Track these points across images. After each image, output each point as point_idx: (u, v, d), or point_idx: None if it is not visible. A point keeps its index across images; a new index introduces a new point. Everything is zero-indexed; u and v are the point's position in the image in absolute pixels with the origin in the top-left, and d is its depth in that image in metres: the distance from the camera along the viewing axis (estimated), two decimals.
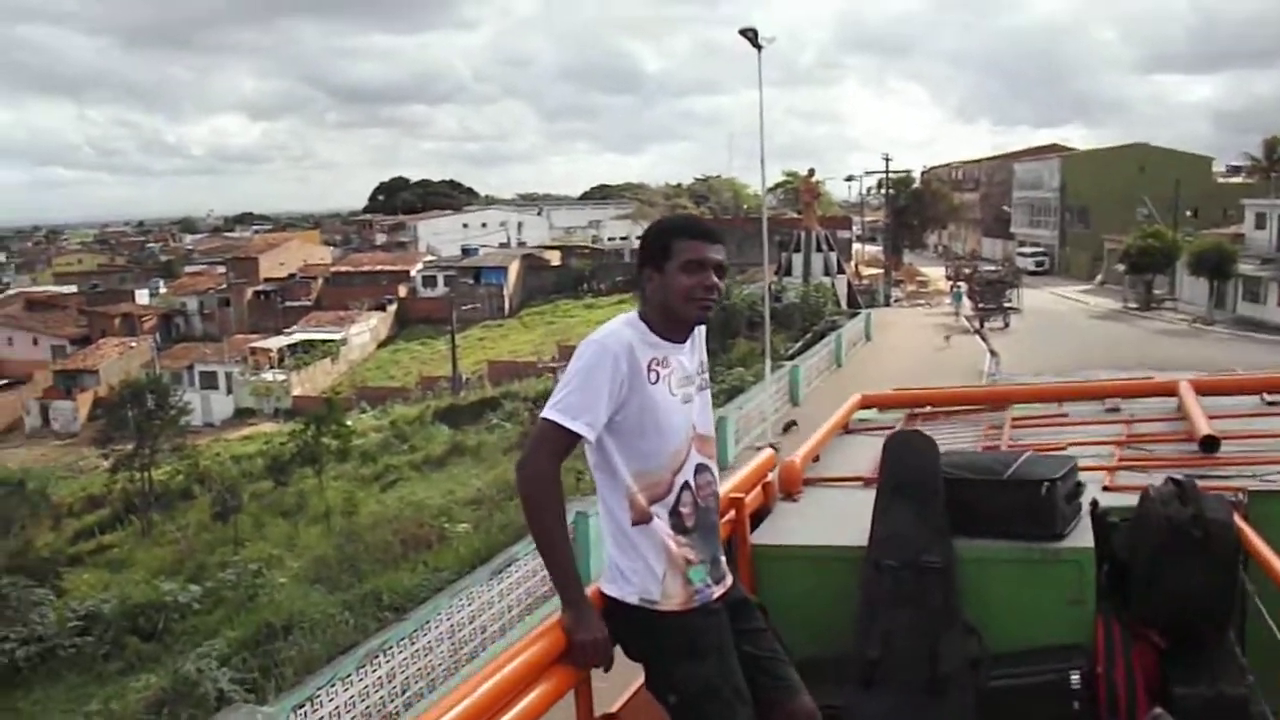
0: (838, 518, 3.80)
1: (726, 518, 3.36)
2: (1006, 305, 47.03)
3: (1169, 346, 40.44)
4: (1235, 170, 78.75)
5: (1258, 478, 3.84)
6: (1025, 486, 3.24)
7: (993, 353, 37.22)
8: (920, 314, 51.34)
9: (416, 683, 10.07)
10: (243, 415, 58.26)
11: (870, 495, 4.08)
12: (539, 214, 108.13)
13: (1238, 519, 3.21)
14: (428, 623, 10.78)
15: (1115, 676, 3.16)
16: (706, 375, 3.03)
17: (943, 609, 3.14)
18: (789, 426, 23.97)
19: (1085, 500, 3.43)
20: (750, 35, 20.82)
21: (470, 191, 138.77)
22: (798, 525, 3.79)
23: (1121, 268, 56.00)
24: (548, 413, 2.69)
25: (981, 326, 44.41)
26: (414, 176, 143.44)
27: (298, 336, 64.53)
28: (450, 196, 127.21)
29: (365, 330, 68.63)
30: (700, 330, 3.00)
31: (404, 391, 53.04)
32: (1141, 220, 59.87)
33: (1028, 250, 77.22)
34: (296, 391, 57.72)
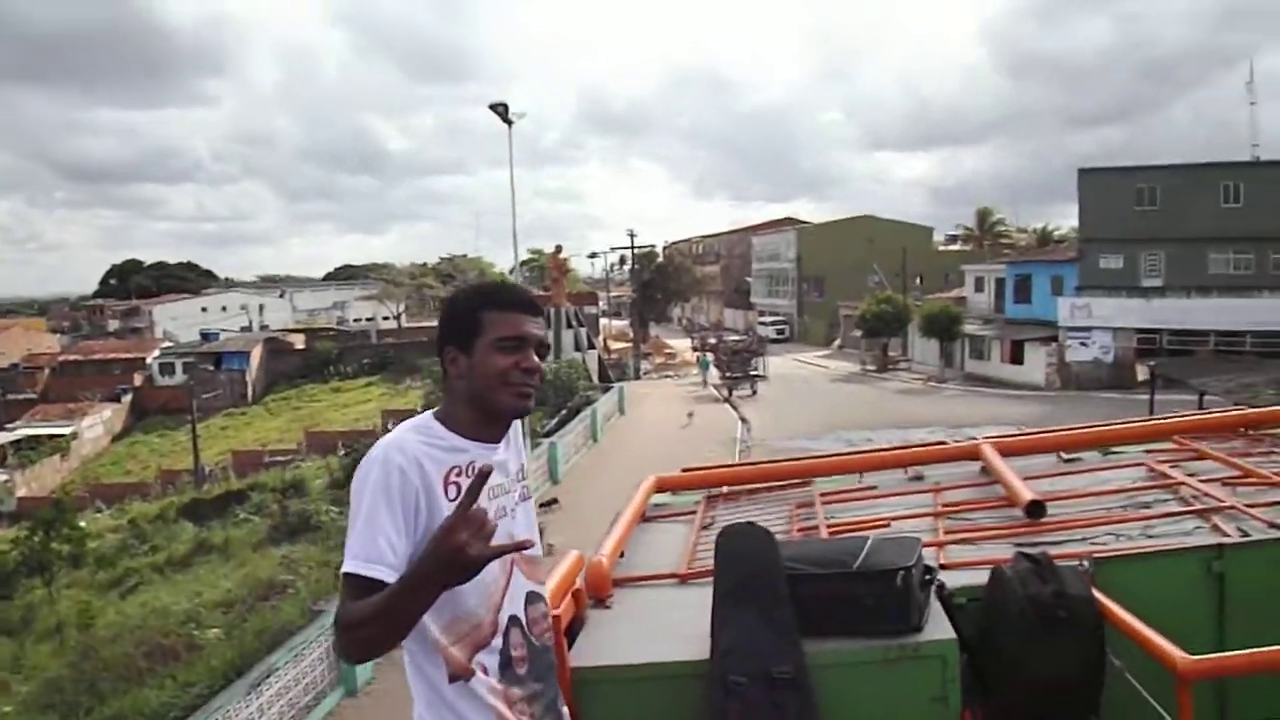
0: (661, 626, 3.39)
1: None
2: (753, 373, 48.27)
3: (909, 404, 42.43)
4: (952, 239, 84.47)
5: (1089, 542, 3.70)
6: (878, 577, 2.91)
7: (744, 420, 38.06)
8: (670, 385, 52.18)
9: None
10: None
11: (685, 594, 3.75)
12: (281, 296, 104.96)
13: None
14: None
15: None
16: (527, 482, 2.58)
17: None
18: (550, 504, 23.58)
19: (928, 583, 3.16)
20: (500, 110, 20.76)
21: (209, 274, 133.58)
22: (620, 639, 3.32)
23: (858, 332, 58.65)
24: (346, 565, 2.25)
25: (730, 395, 45.41)
26: (149, 259, 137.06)
27: (21, 432, 59.62)
28: (187, 279, 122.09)
29: (98, 423, 64.30)
30: (517, 425, 2.55)
31: (143, 487, 49.79)
32: (873, 287, 63.03)
33: (768, 319, 79.78)
34: (21, 492, 53.22)
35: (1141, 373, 39.81)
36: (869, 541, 3.09)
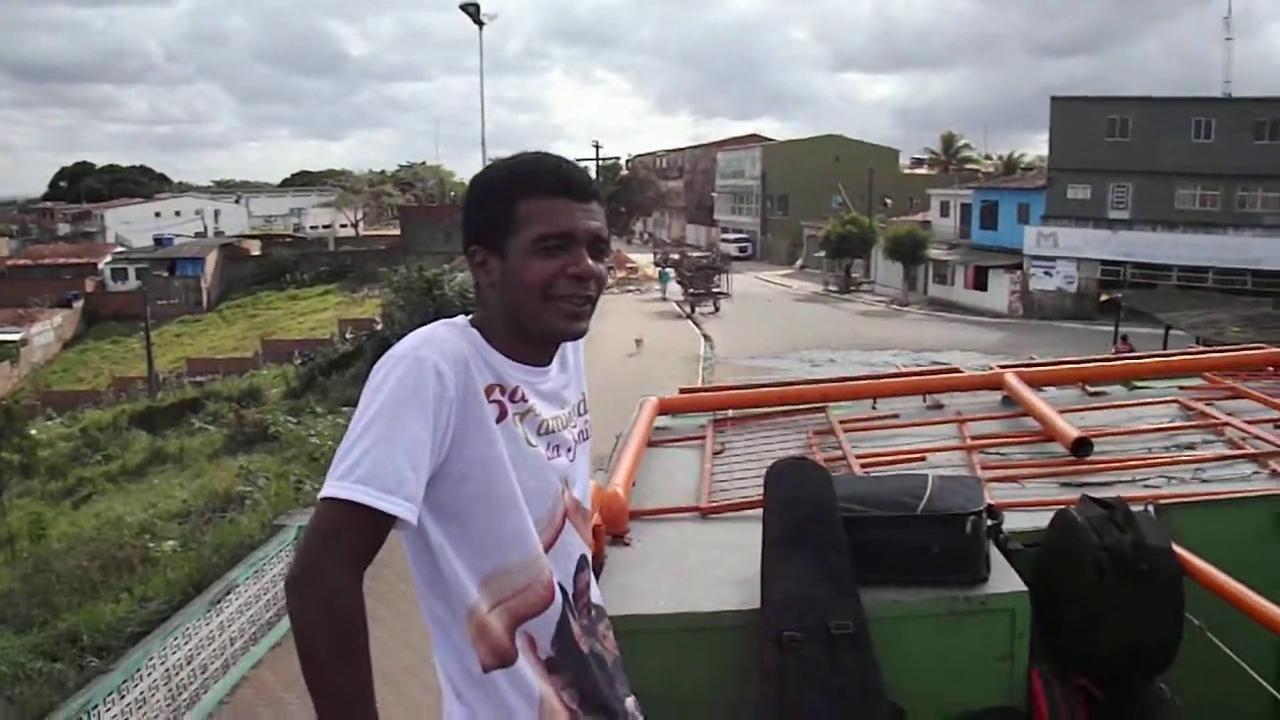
0: (691, 568, 3.07)
1: None
2: (716, 290, 48.07)
3: (872, 326, 42.55)
4: (918, 163, 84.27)
5: (1141, 485, 3.44)
6: (946, 522, 2.61)
7: (706, 337, 37.94)
8: (632, 299, 51.94)
9: None
10: None
11: (709, 530, 3.44)
12: (237, 202, 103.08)
13: None
14: (138, 670, 9.56)
15: None
16: (588, 416, 2.10)
17: (861, 688, 2.49)
18: None
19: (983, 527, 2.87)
20: (471, 11, 20.10)
21: (163, 178, 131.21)
22: (648, 582, 2.96)
23: (822, 253, 58.51)
24: (334, 488, 1.65)
25: (693, 311, 45.28)
26: (100, 161, 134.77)
27: None
28: (141, 183, 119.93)
29: (48, 329, 63.09)
30: (575, 347, 2.06)
31: (95, 395, 49.03)
32: (837, 208, 62.76)
33: (731, 236, 79.45)
34: None
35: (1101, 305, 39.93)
36: (930, 481, 2.78)
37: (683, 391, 5.32)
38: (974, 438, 4.13)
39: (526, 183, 1.86)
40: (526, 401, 1.87)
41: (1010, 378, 4.64)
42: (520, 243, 1.83)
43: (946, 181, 64.24)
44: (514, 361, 1.88)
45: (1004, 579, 2.67)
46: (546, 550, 1.89)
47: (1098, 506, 2.76)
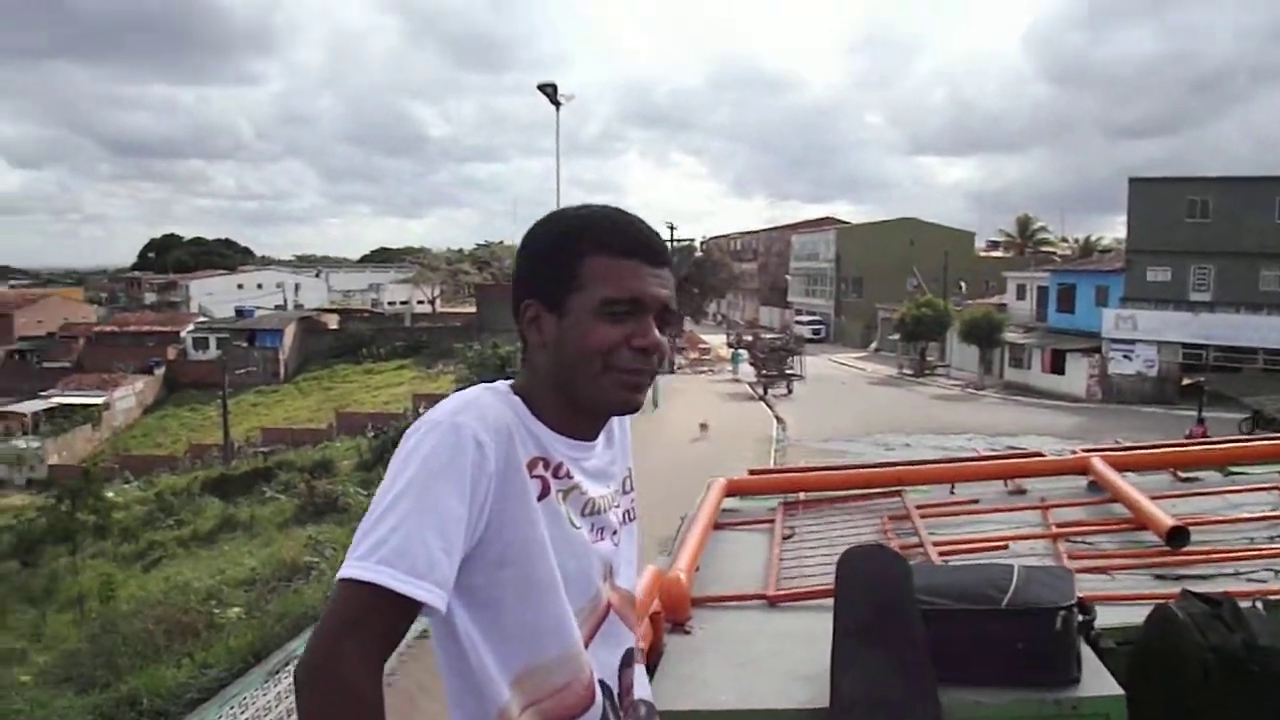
0: (755, 659, 2.86)
1: None
2: (789, 372, 47.71)
3: (946, 410, 41.85)
4: (994, 245, 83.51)
5: (1244, 578, 3.18)
6: (1033, 617, 2.39)
7: (779, 419, 37.57)
8: (705, 381, 51.81)
9: None
10: None
11: (775, 620, 3.24)
12: (317, 276, 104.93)
13: None
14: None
15: None
16: (634, 494, 1.88)
17: None
18: None
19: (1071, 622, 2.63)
20: (549, 91, 20.30)
21: (246, 251, 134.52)
22: (709, 675, 2.74)
23: (896, 336, 58.01)
24: (355, 568, 1.45)
25: (765, 393, 44.95)
26: (188, 234, 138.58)
27: (55, 400, 59.70)
28: (225, 256, 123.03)
29: (130, 394, 64.42)
30: (622, 420, 1.86)
31: (172, 460, 49.80)
32: (911, 290, 62.29)
33: (805, 318, 79.13)
34: (52, 460, 53.40)
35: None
36: (1016, 572, 2.56)
37: (752, 473, 5.13)
38: (1059, 525, 3.90)
39: (599, 238, 1.66)
40: (572, 478, 1.67)
41: (1096, 462, 4.39)
42: (584, 303, 1.63)
43: (1022, 264, 63.67)
44: (559, 434, 1.68)
45: (1098, 681, 2.44)
46: (587, 644, 1.67)
47: (1200, 602, 2.54)
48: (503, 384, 1.71)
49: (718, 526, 4.26)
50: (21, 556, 33.04)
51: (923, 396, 46.94)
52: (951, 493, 4.61)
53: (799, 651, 2.81)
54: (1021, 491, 4.52)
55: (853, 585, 2.53)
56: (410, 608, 1.46)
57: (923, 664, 2.37)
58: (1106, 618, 2.74)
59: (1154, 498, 3.88)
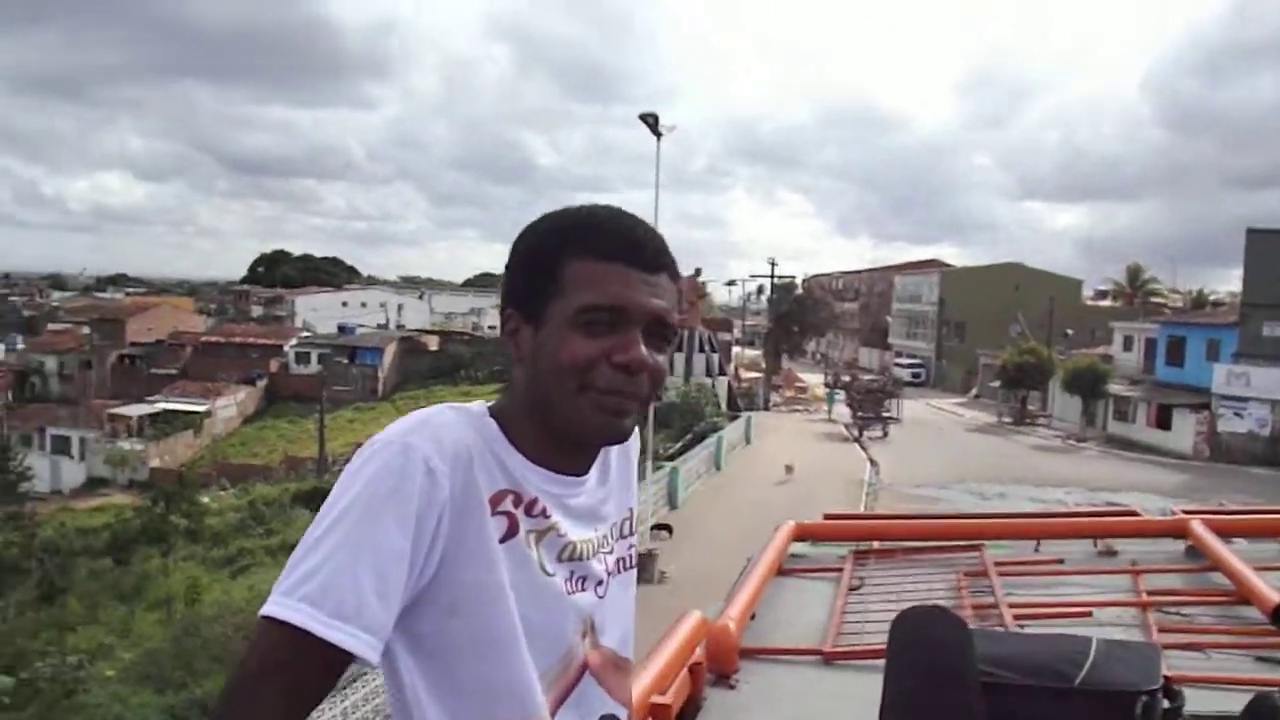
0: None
1: None
2: (886, 415, 47.11)
3: (1046, 461, 40.89)
4: (1101, 294, 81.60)
5: None
6: (1108, 700, 2.11)
7: (872, 461, 37.01)
8: (799, 419, 51.45)
9: None
10: (95, 485, 55.16)
11: (830, 679, 2.98)
12: (420, 297, 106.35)
13: None
14: None
15: None
16: (634, 539, 1.62)
17: None
18: (661, 529, 22.88)
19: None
20: (650, 121, 20.23)
21: (352, 270, 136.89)
22: None
23: (997, 382, 56.95)
24: (275, 605, 1.25)
25: (860, 435, 44.41)
26: (297, 250, 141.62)
27: (160, 405, 61.39)
28: (331, 273, 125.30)
29: (232, 404, 65.92)
30: (627, 450, 1.60)
31: (267, 470, 50.79)
32: (1015, 337, 61.15)
33: (904, 361, 78.27)
34: (154, 463, 54.90)
35: None
36: (1094, 646, 2.27)
37: (827, 517, 4.86)
38: (1151, 593, 3.58)
39: (580, 238, 1.42)
40: (548, 518, 1.42)
41: (1197, 525, 4.05)
42: (560, 311, 1.39)
43: (1131, 315, 62.02)
44: (538, 466, 1.43)
45: None
46: (555, 710, 1.42)
47: None
48: (480, 404, 1.46)
49: (782, 573, 4.02)
50: (116, 554, 33.83)
51: (1021, 446, 45.92)
52: (1036, 550, 4.31)
53: (850, 713, 2.56)
54: (1112, 553, 4.20)
55: (905, 651, 2.26)
56: (335, 655, 1.24)
57: None
58: (1198, 703, 2.44)
59: (1260, 569, 3.54)
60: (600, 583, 1.49)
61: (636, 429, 1.54)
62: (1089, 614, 3.30)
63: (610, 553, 1.53)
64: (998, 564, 3.92)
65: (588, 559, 1.47)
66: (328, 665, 1.25)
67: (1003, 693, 2.16)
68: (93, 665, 20.96)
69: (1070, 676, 2.16)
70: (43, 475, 51.83)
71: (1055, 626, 3.13)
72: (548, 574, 1.41)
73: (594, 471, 1.52)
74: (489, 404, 1.47)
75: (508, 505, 1.38)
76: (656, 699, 2.22)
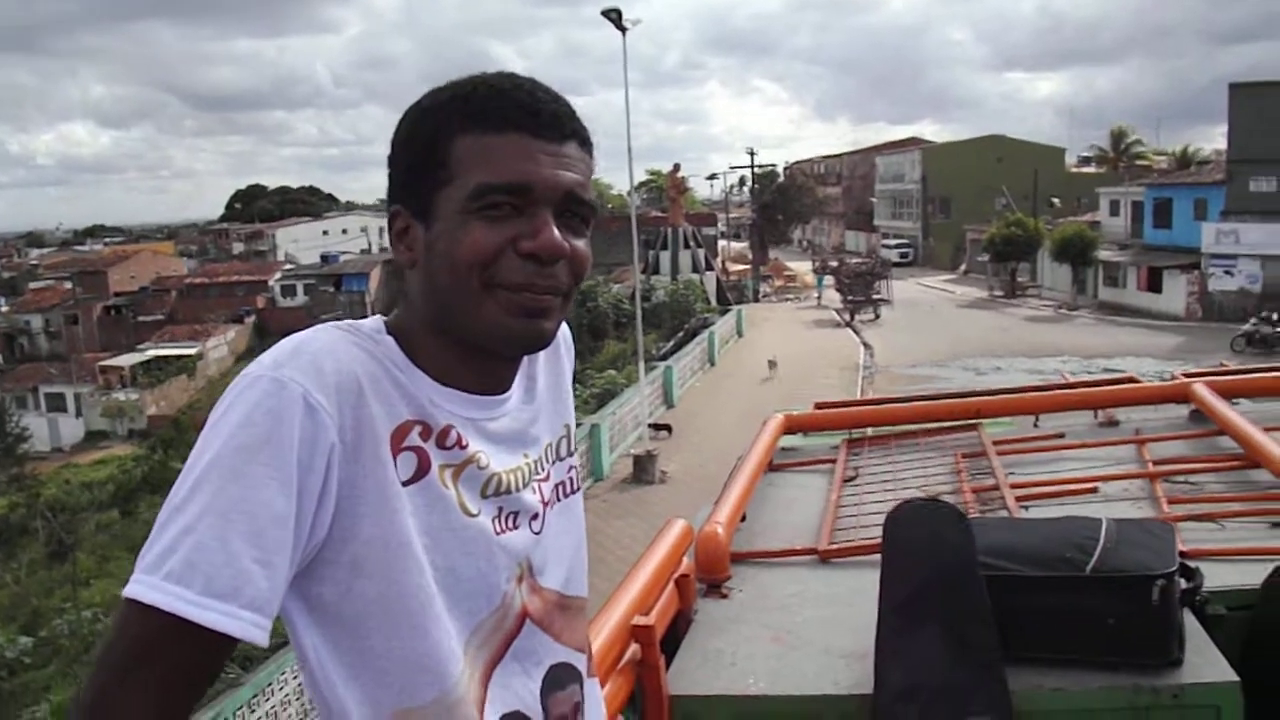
0: (798, 630, 2.47)
1: (626, 658, 2.03)
2: (876, 297, 46.96)
3: (1039, 332, 40.87)
4: (1085, 161, 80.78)
5: None
6: (1124, 587, 1.96)
7: (866, 345, 36.96)
8: (790, 308, 51.47)
9: None
10: (94, 438, 55.10)
11: (827, 579, 2.84)
12: None
13: None
14: (269, 685, 9.34)
15: None
16: (574, 460, 1.43)
17: None
18: (660, 429, 22.82)
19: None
20: (614, 17, 19.74)
21: (330, 198, 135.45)
22: (740, 651, 2.37)
23: (985, 257, 56.74)
24: (138, 585, 1.03)
25: (852, 319, 44.33)
26: (273, 183, 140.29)
27: (151, 353, 61.16)
28: (310, 203, 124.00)
29: (223, 343, 65.73)
30: (557, 356, 1.40)
31: None
32: (1001, 210, 60.81)
33: (892, 242, 77.79)
34: (151, 411, 54.95)
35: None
36: (1104, 528, 2.12)
37: (817, 406, 4.69)
38: (1157, 462, 3.43)
39: (466, 110, 1.18)
40: (465, 448, 1.21)
41: (1200, 388, 3.90)
42: (453, 199, 1.16)
43: (1116, 179, 61.41)
44: (447, 386, 1.21)
45: (1205, 662, 2.01)
46: (494, 665, 1.23)
47: None
48: (372, 321, 1.24)
49: (773, 469, 3.87)
50: (121, 505, 33.86)
51: (1014, 319, 45.82)
52: (1035, 425, 4.18)
53: (849, 619, 2.43)
54: (1114, 423, 4.06)
55: (900, 550, 2.12)
56: (213, 638, 1.03)
57: (985, 642, 1.96)
58: (1215, 577, 2.30)
59: (1268, 429, 3.39)
60: (535, 516, 1.30)
61: (566, 327, 1.34)
62: (1095, 489, 3.17)
63: (545, 479, 1.33)
64: (996, 443, 3.79)
65: (518, 491, 1.27)
66: (206, 650, 1.05)
67: (1009, 586, 2.03)
68: (108, 618, 21.08)
69: (1080, 564, 2.02)
70: (41, 434, 51.91)
71: (1060, 506, 3.00)
72: (471, 514, 1.20)
73: (516, 387, 1.31)
74: (385, 319, 1.25)
75: (414, 438, 1.17)
76: (639, 620, 2.07)
